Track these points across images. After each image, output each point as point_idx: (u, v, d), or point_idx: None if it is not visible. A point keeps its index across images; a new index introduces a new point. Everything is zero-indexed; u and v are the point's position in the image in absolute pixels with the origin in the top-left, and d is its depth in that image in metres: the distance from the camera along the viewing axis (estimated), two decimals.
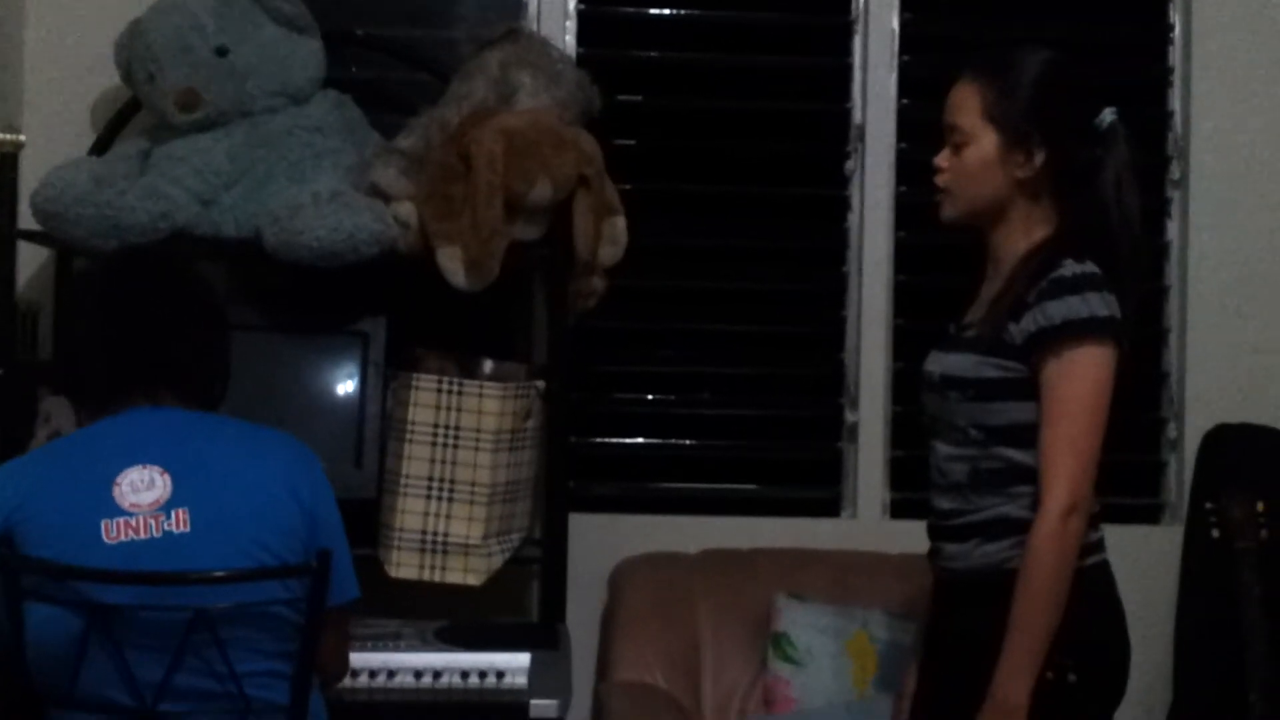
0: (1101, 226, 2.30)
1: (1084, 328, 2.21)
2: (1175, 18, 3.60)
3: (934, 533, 2.43)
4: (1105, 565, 2.33)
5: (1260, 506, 3.25)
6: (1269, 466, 3.46)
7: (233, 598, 2.09)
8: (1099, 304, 2.23)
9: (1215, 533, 3.27)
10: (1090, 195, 2.31)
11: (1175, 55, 3.61)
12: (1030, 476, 2.25)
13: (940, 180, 2.39)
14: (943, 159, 2.38)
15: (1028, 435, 2.25)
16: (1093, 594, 2.26)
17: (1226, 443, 3.49)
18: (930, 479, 2.42)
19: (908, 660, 2.60)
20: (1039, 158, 2.30)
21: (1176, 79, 3.60)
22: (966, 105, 2.34)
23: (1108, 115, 2.33)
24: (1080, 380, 2.20)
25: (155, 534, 2.10)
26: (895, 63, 3.55)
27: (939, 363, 2.39)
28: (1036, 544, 2.19)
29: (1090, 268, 2.26)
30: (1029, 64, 2.34)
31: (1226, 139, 3.54)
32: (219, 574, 2.09)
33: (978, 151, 2.33)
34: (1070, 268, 2.25)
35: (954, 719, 2.29)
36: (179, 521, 2.11)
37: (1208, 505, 3.33)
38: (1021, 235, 2.35)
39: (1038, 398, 2.23)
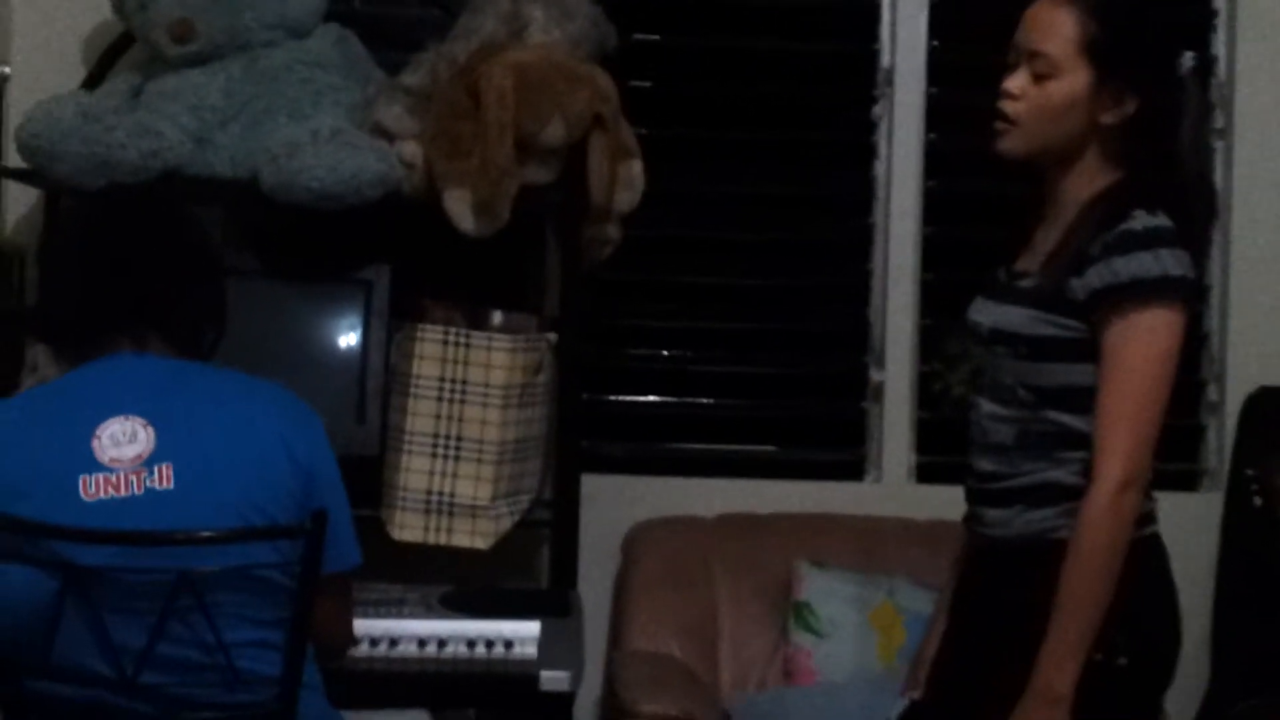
0: (1174, 177, 2.15)
1: (1155, 288, 2.06)
2: None
3: (973, 496, 2.29)
4: (1158, 538, 2.19)
5: None
6: None
7: (220, 560, 1.99)
8: (1172, 262, 2.07)
9: (1257, 500, 3.23)
10: (1165, 143, 2.16)
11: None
12: (1082, 442, 2.11)
13: (1011, 109, 2.18)
14: (1017, 85, 2.17)
15: (1082, 400, 2.11)
16: (1146, 569, 2.13)
17: (1269, 406, 3.42)
18: (969, 436, 2.29)
19: (929, 626, 2.49)
20: (1130, 105, 2.14)
21: (1221, 22, 3.50)
22: (1059, 31, 2.14)
23: (1188, 59, 2.17)
24: (1146, 345, 2.06)
25: (137, 491, 2.00)
26: (926, 2, 3.47)
27: (988, 313, 2.24)
28: (1089, 519, 2.06)
29: (1164, 220, 2.09)
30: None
31: (1274, 86, 3.44)
32: (205, 534, 1.98)
33: (1065, 87, 2.14)
34: (1142, 220, 2.09)
35: (986, 695, 2.17)
36: (162, 477, 2.01)
37: (1249, 472, 3.28)
38: (1088, 180, 2.18)
39: (1096, 360, 2.10)
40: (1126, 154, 2.16)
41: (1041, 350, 2.14)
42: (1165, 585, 2.19)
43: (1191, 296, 2.12)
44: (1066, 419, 2.13)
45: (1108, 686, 2.08)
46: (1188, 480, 3.53)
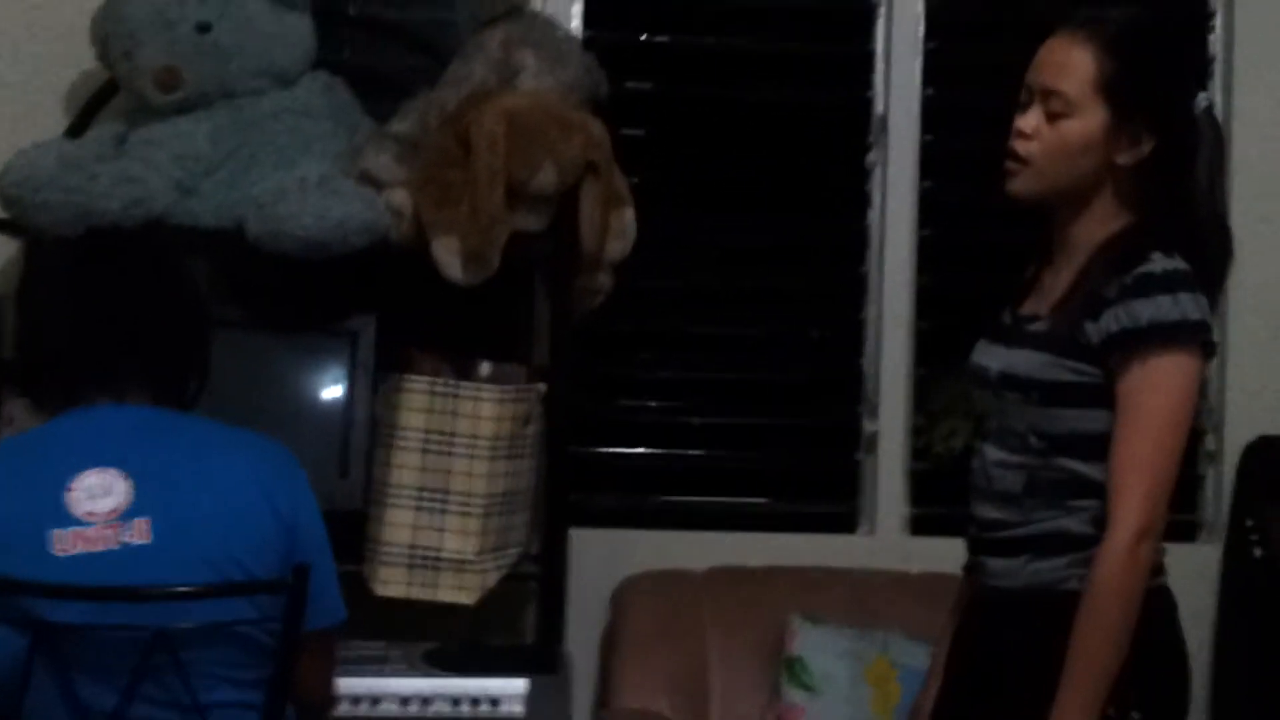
0: (1190, 220, 2.11)
1: (1173, 332, 2.02)
2: (1217, 2, 3.48)
3: (976, 545, 2.23)
4: (1167, 589, 2.15)
5: None
6: None
7: (198, 617, 1.96)
8: (1191, 306, 2.03)
9: (1258, 551, 3.21)
10: (1181, 185, 2.11)
11: (1216, 41, 3.48)
12: (1093, 490, 2.06)
13: (1024, 149, 2.13)
14: (1031, 124, 2.12)
15: (1095, 447, 2.06)
16: (1157, 621, 2.08)
17: (1268, 455, 3.40)
18: (972, 484, 2.23)
19: (924, 682, 2.43)
20: (1146, 146, 2.09)
21: (1218, 65, 3.47)
22: (1076, 70, 2.09)
23: (1203, 99, 2.13)
24: (1164, 392, 2.02)
25: (112, 546, 1.97)
26: (920, 48, 3.46)
27: (996, 357, 2.19)
28: (1105, 571, 2.01)
29: (1181, 263, 2.05)
30: (1142, 31, 2.12)
31: (1272, 128, 3.43)
32: (182, 589, 1.96)
33: (1081, 127, 2.09)
34: (1160, 262, 2.04)
35: None
36: (139, 532, 1.98)
37: (1249, 522, 3.26)
38: (1101, 222, 2.13)
39: (1110, 406, 2.05)
40: (1141, 195, 2.12)
41: (1054, 396, 2.09)
42: (1176, 637, 2.15)
43: (1209, 341, 2.07)
44: (1078, 466, 2.08)
45: None
46: (1186, 531, 3.48)
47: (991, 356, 2.19)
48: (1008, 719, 2.10)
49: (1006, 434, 2.16)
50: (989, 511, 2.18)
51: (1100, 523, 2.04)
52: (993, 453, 2.17)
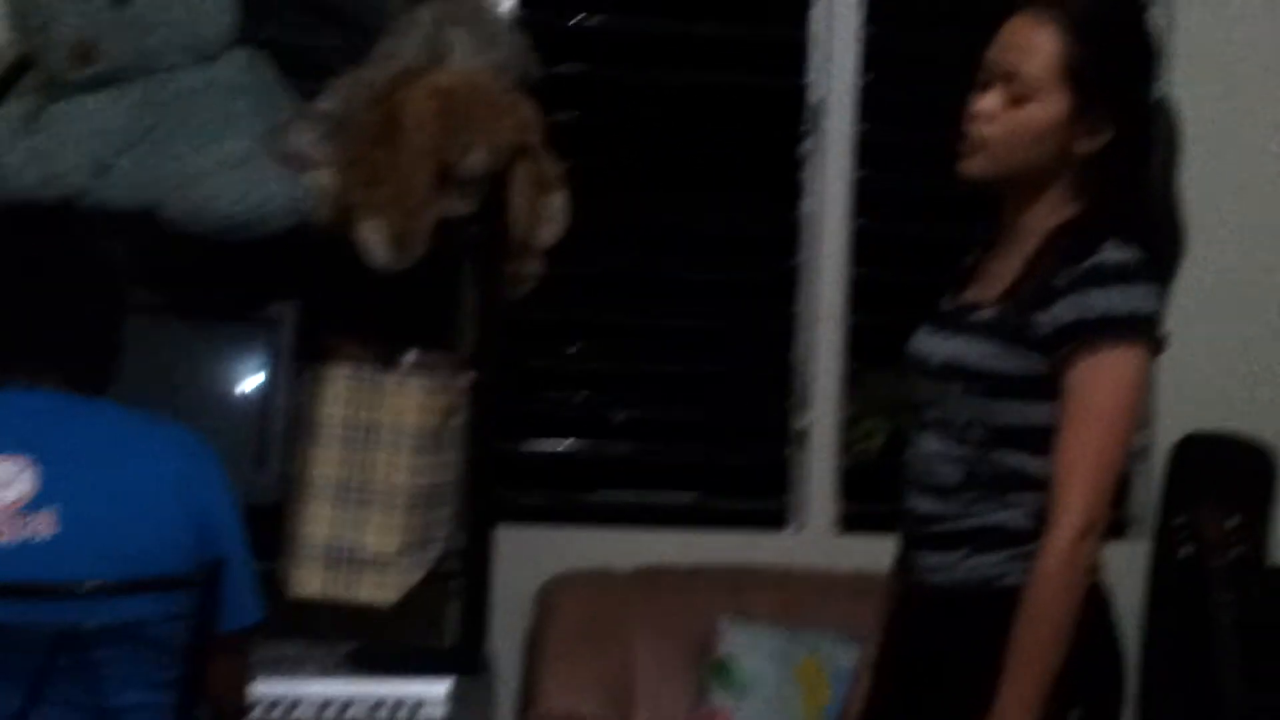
0: (1143, 210, 2.08)
1: (1125, 325, 1.98)
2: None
3: (910, 540, 2.19)
4: (1103, 585, 2.12)
5: (1233, 522, 3.17)
6: (1242, 478, 3.42)
7: (105, 615, 1.90)
8: (1144, 298, 2.00)
9: (1185, 550, 3.21)
10: (1136, 179, 2.09)
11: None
12: (1034, 484, 2.03)
13: (983, 130, 2.08)
14: (990, 106, 2.07)
15: (1038, 440, 2.03)
16: (1095, 617, 2.06)
17: (1197, 453, 3.44)
18: (907, 476, 2.19)
19: (852, 683, 2.39)
20: (1105, 135, 2.05)
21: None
22: (1039, 51, 2.04)
23: (1158, 90, 2.13)
24: (1113, 386, 1.98)
25: (15, 538, 1.91)
26: (858, 35, 3.44)
27: (938, 346, 2.14)
28: (1047, 567, 1.98)
29: (1136, 254, 2.01)
30: (1115, 16, 2.08)
31: (1208, 122, 3.39)
32: (88, 585, 1.89)
33: (1043, 111, 2.04)
34: (1114, 252, 2.01)
35: None
36: (44, 524, 1.93)
37: (1178, 520, 3.27)
38: (1052, 210, 2.09)
39: (1055, 399, 2.01)
40: (1095, 184, 2.07)
41: (999, 386, 2.05)
42: (1112, 633, 2.13)
43: (1161, 336, 2.04)
44: (1020, 460, 2.05)
45: None
46: (1115, 528, 3.44)
47: (933, 345, 2.14)
48: (947, 717, 2.07)
49: (946, 425, 2.11)
50: (925, 505, 2.14)
51: (1040, 517, 2.00)
52: (931, 444, 2.13)
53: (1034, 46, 2.03)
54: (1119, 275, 1.98)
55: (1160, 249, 2.08)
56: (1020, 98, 2.03)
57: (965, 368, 2.07)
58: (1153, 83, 2.10)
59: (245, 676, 2.20)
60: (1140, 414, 2.09)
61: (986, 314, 2.08)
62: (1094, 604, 2.06)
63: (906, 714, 2.17)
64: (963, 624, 2.08)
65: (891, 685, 2.23)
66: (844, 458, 3.42)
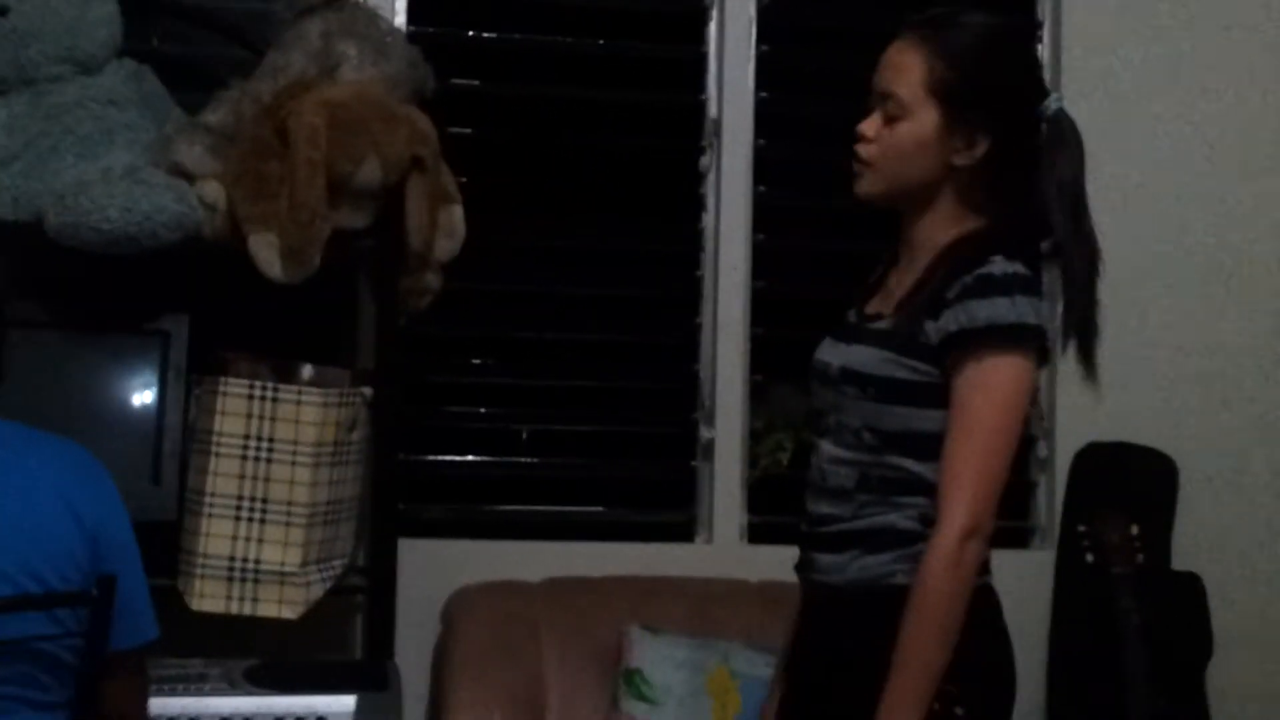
0: (1040, 225, 2.12)
1: (1008, 335, 2.03)
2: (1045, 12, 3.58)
3: (806, 541, 2.22)
4: (991, 588, 2.16)
5: (1135, 529, 3.20)
6: (1143, 486, 3.46)
7: None
8: (1028, 310, 2.04)
9: (1089, 557, 3.21)
10: (1028, 191, 2.13)
11: (1044, 50, 3.57)
12: (924, 489, 2.07)
13: (864, 151, 2.17)
14: (870, 127, 2.16)
15: (927, 446, 2.06)
16: (981, 618, 2.09)
17: (1098, 462, 3.46)
18: (808, 480, 2.23)
19: (769, 690, 2.40)
20: (981, 146, 2.12)
21: (1046, 72, 3.49)
22: (907, 72, 2.12)
23: (1053, 103, 2.15)
24: (996, 393, 2.02)
25: None
26: (753, 52, 3.46)
27: (837, 354, 2.19)
28: (931, 568, 2.01)
29: (1021, 268, 2.06)
30: (980, 35, 2.14)
31: (1100, 139, 3.38)
32: None
33: (914, 128, 2.11)
34: (1000, 265, 2.06)
35: None
36: None
37: (1080, 528, 3.26)
38: (943, 225, 2.15)
39: (946, 406, 2.06)
40: (990, 200, 2.13)
41: (890, 392, 2.09)
42: (999, 634, 2.16)
43: (1044, 347, 2.09)
44: (910, 464, 2.09)
45: None
46: (1019, 537, 3.53)
47: (834, 354, 2.19)
48: (840, 715, 2.09)
49: (842, 430, 2.16)
50: (821, 507, 2.18)
51: (928, 520, 2.04)
52: (828, 449, 2.17)
53: (904, 68, 2.11)
54: (1003, 287, 2.03)
55: (1068, 260, 2.11)
56: (894, 117, 2.11)
57: (859, 374, 2.12)
58: (1029, 96, 2.15)
59: (144, 695, 2.15)
60: (1024, 420, 2.08)
61: (882, 324, 2.15)
62: (983, 606, 2.10)
63: (808, 713, 2.19)
64: (854, 622, 2.11)
65: (797, 687, 2.25)
66: (752, 471, 3.41)
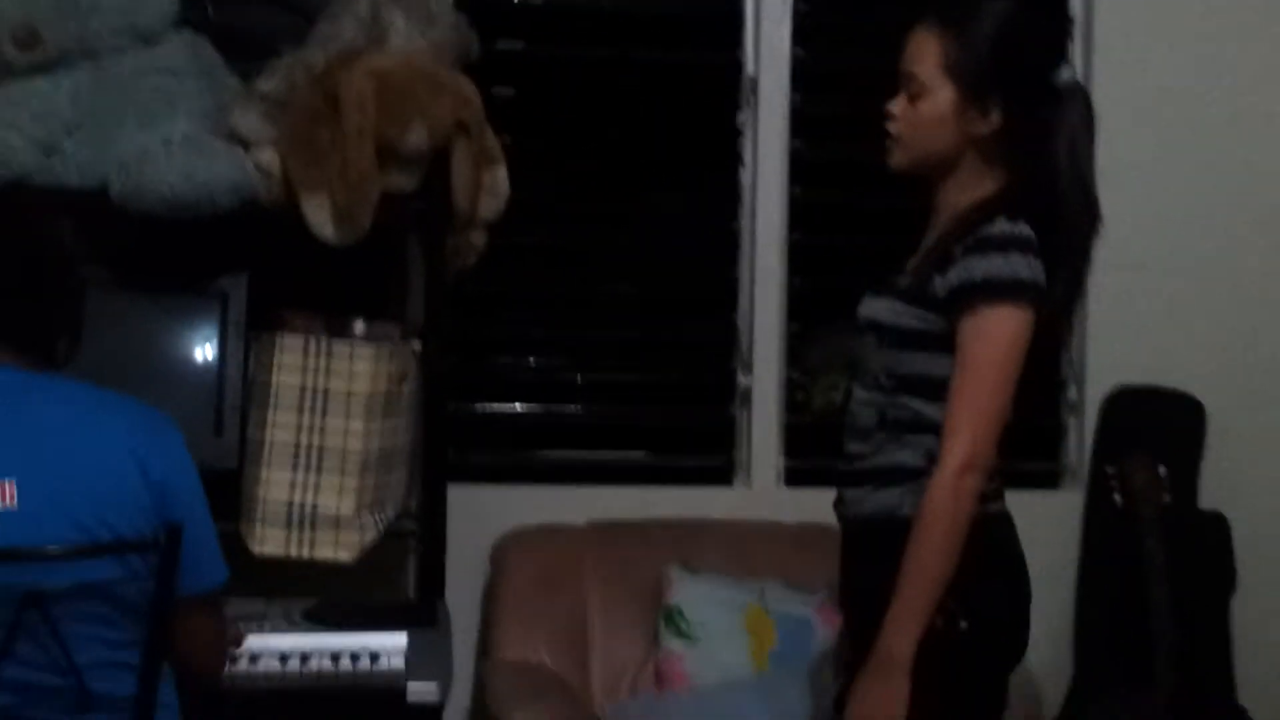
0: (1050, 189, 2.27)
1: (1003, 288, 2.19)
2: None
3: (838, 478, 2.41)
4: (1002, 515, 2.32)
5: (1162, 471, 3.24)
6: (1171, 429, 3.48)
7: (68, 577, 1.93)
8: (1022, 266, 2.20)
9: (1117, 498, 3.26)
10: (1041, 156, 2.28)
11: (1076, 6, 3.56)
12: (931, 428, 2.24)
13: (892, 128, 2.35)
14: (896, 106, 2.34)
15: (936, 388, 2.24)
16: (987, 542, 2.23)
17: (1127, 405, 3.49)
18: (845, 422, 2.40)
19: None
20: (995, 116, 2.27)
21: (1078, 36, 3.52)
22: (924, 55, 2.30)
23: (1065, 74, 2.30)
24: (993, 339, 2.19)
25: None
26: (788, 11, 3.49)
27: (866, 307, 2.38)
28: (932, 498, 2.18)
29: (1021, 229, 2.22)
30: (991, 16, 2.29)
31: (1127, 89, 3.49)
32: (51, 549, 1.92)
33: (933, 104, 2.29)
34: (1000, 225, 2.22)
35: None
36: (5, 496, 1.95)
37: (1109, 470, 3.31)
38: (964, 190, 2.31)
39: (954, 352, 2.22)
40: (1007, 167, 2.28)
41: (903, 339, 2.26)
42: (1007, 557, 2.30)
43: (1040, 300, 2.21)
44: (920, 405, 2.25)
45: (951, 651, 2.18)
46: (1049, 479, 3.57)
47: (865, 307, 2.36)
48: (863, 633, 2.22)
49: (866, 374, 2.32)
50: (852, 446, 2.35)
51: (933, 457, 2.20)
52: (858, 392, 2.34)
53: (922, 51, 2.28)
54: (1000, 245, 2.19)
55: (1070, 225, 2.26)
56: (916, 96, 2.29)
57: (877, 322, 2.30)
58: (1040, 68, 2.28)
59: (218, 635, 2.23)
60: (1020, 365, 2.21)
61: (903, 280, 2.31)
62: (992, 531, 2.26)
63: (854, 640, 2.32)
64: (872, 551, 2.27)
65: (845, 613, 2.43)
66: (800, 414, 3.46)
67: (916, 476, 2.22)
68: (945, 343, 2.21)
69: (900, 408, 2.27)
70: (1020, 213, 2.22)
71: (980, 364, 2.18)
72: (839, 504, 2.39)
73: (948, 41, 2.27)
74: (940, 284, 2.22)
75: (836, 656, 2.58)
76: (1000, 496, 2.31)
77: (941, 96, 2.27)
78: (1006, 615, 2.28)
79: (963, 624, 2.18)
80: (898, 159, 2.35)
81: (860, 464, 2.32)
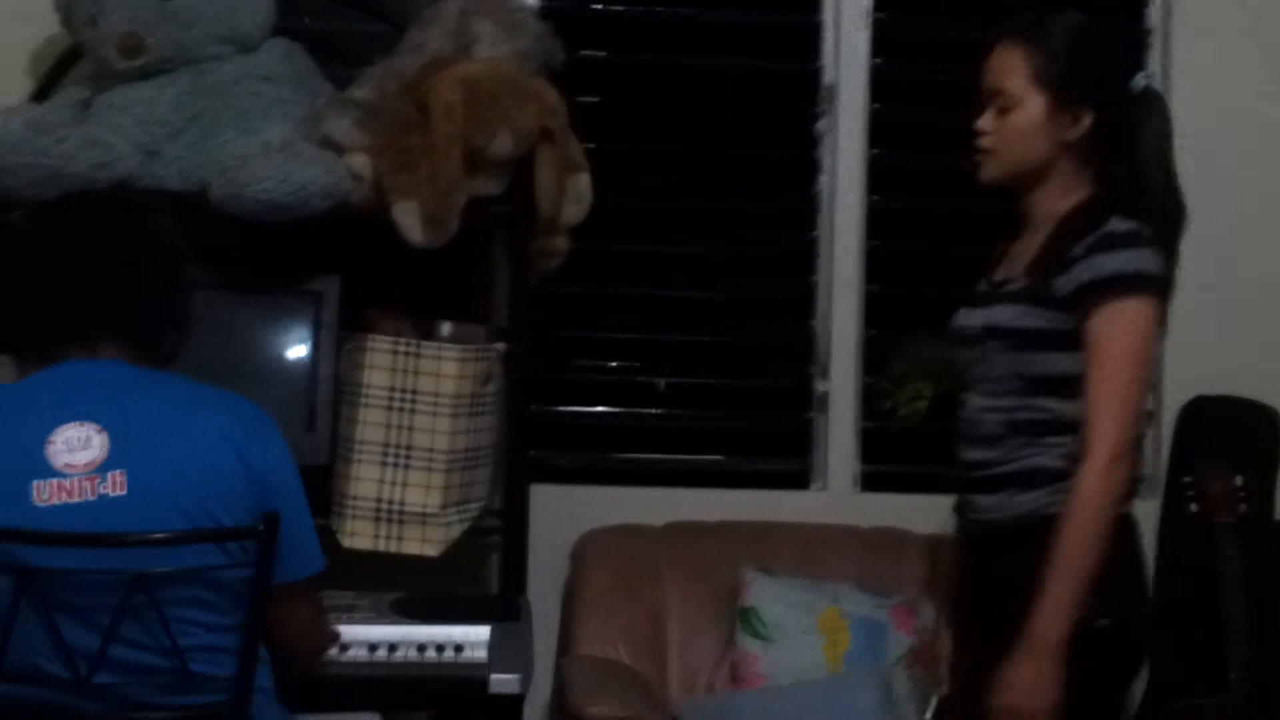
0: (1143, 189, 2.36)
1: (1133, 282, 2.27)
2: None
3: (965, 485, 2.47)
4: (1131, 516, 2.38)
5: (1239, 480, 3.22)
6: (1247, 439, 3.45)
7: (172, 562, 1.99)
8: (1148, 260, 2.29)
9: (1193, 507, 3.25)
10: (1130, 158, 2.37)
11: (1154, 15, 3.55)
12: (1067, 428, 2.30)
13: (985, 143, 2.44)
14: (986, 122, 2.43)
15: (1068, 386, 2.30)
16: (1122, 542, 2.30)
17: (1204, 415, 3.49)
18: (959, 432, 2.47)
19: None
20: (1086, 120, 2.36)
21: (1156, 39, 3.55)
22: (1012, 69, 2.39)
23: (1142, 79, 2.43)
24: (1128, 332, 2.27)
25: (89, 496, 2.00)
26: (868, 20, 3.51)
27: (977, 317, 2.44)
28: (1084, 489, 2.24)
29: (1138, 225, 2.31)
30: (1067, 28, 2.39)
31: (1207, 101, 3.49)
32: (157, 536, 1.99)
33: (1026, 115, 2.38)
34: (1120, 224, 2.31)
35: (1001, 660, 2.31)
36: (115, 484, 2.01)
37: (1186, 479, 3.30)
38: (1060, 196, 2.40)
39: (1080, 349, 2.29)
40: (1094, 169, 2.37)
41: (1031, 341, 2.33)
42: (1137, 558, 2.38)
43: (1164, 292, 2.32)
44: (1054, 405, 2.31)
45: (1093, 646, 2.23)
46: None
47: (973, 317, 2.44)
48: (1008, 632, 2.27)
49: (989, 381, 2.38)
50: (975, 454, 2.41)
51: (1073, 458, 2.26)
52: (977, 401, 2.41)
53: (1009, 67, 2.38)
54: (1124, 242, 2.28)
55: (1162, 218, 2.36)
56: (1006, 109, 2.38)
57: (1001, 328, 2.37)
58: (1120, 71, 2.42)
59: (317, 620, 2.30)
60: (1153, 356, 2.33)
61: (1016, 285, 2.38)
62: (1124, 531, 2.32)
63: (988, 636, 2.36)
64: (1019, 550, 2.30)
65: (970, 616, 2.51)
66: (885, 421, 3.45)
67: (1059, 477, 2.28)
68: (1072, 340, 2.28)
69: (1034, 409, 2.33)
70: (1129, 212, 2.31)
71: (1117, 356, 2.25)
72: (966, 510, 2.45)
73: (1032, 54, 2.35)
74: (1064, 283, 2.29)
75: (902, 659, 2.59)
76: (1132, 497, 2.36)
77: (1033, 106, 2.35)
78: (1141, 612, 2.35)
79: (1103, 621, 2.24)
80: (990, 172, 2.42)
81: (991, 470, 2.37)
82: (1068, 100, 2.35)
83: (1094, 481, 2.23)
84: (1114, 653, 2.29)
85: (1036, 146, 2.38)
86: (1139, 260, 2.28)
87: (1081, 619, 2.23)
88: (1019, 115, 2.38)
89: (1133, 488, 2.36)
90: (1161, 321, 2.37)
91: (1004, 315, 2.37)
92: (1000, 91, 2.40)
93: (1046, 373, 2.32)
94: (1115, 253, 2.28)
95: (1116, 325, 2.26)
